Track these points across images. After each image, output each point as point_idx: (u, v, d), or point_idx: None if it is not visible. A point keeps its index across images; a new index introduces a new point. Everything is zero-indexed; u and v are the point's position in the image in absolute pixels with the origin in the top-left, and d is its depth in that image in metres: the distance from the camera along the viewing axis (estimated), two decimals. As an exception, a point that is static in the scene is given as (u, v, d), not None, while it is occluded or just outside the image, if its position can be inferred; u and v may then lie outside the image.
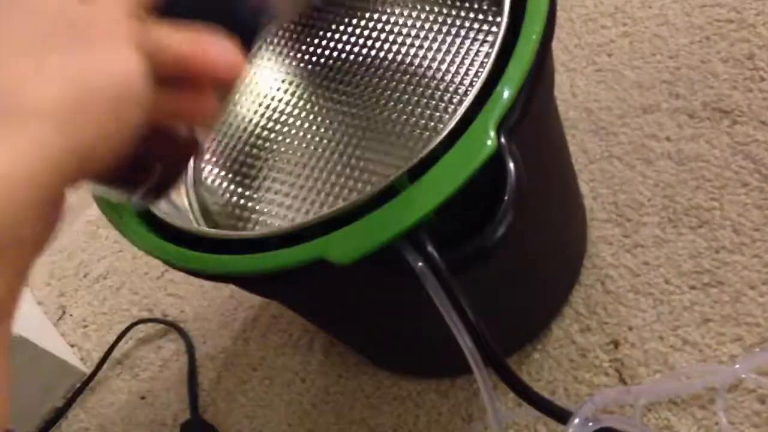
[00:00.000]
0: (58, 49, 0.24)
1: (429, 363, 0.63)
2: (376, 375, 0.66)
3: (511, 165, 0.38)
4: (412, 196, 0.37)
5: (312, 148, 0.49)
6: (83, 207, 0.90)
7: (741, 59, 0.69)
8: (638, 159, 0.68)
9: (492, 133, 0.37)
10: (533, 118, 0.41)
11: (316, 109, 0.51)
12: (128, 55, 0.26)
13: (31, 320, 0.81)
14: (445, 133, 0.38)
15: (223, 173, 0.51)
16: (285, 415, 0.68)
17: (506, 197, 0.37)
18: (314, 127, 0.50)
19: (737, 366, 0.55)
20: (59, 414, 0.76)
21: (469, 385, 0.62)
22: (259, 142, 0.51)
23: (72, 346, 0.81)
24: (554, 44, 0.78)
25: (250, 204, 0.49)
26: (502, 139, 0.37)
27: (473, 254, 0.38)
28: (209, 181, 0.51)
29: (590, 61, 0.75)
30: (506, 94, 0.38)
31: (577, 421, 0.48)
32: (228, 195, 0.50)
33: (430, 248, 0.37)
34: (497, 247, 0.38)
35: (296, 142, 0.50)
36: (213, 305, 0.77)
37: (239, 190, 0.50)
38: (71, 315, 0.83)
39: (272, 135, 0.51)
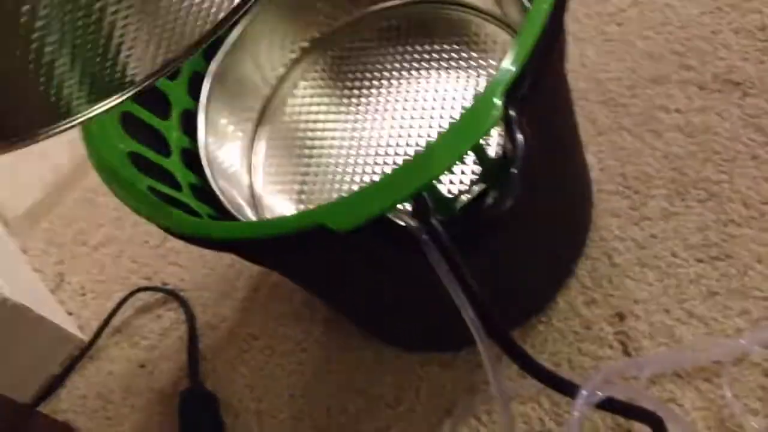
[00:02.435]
0: None
1: (432, 336, 0.62)
2: (377, 346, 0.66)
3: (520, 135, 0.37)
4: (415, 166, 0.36)
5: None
6: (80, 175, 0.89)
7: (753, 30, 0.68)
8: (647, 131, 0.66)
9: (498, 102, 0.36)
10: (544, 89, 0.40)
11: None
12: None
13: (28, 287, 0.80)
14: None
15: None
16: (286, 385, 0.67)
17: (514, 168, 0.37)
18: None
19: (743, 339, 0.54)
20: (57, 382, 0.75)
21: (473, 357, 0.61)
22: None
23: (70, 314, 0.80)
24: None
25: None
26: (510, 110, 0.37)
27: (479, 226, 0.37)
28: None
29: (600, 31, 0.74)
30: (514, 65, 0.37)
31: (585, 393, 0.47)
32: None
33: (433, 219, 0.37)
34: (503, 219, 0.37)
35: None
36: (214, 274, 0.76)
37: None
38: (69, 283, 0.83)
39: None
